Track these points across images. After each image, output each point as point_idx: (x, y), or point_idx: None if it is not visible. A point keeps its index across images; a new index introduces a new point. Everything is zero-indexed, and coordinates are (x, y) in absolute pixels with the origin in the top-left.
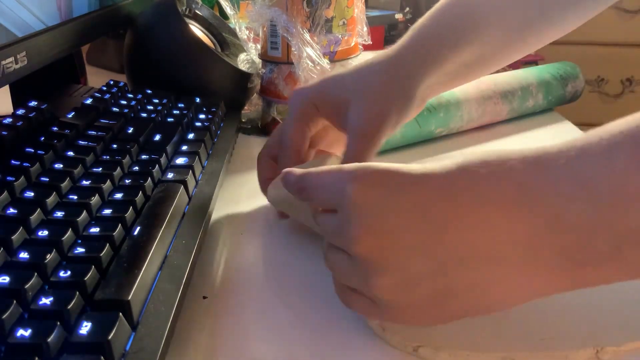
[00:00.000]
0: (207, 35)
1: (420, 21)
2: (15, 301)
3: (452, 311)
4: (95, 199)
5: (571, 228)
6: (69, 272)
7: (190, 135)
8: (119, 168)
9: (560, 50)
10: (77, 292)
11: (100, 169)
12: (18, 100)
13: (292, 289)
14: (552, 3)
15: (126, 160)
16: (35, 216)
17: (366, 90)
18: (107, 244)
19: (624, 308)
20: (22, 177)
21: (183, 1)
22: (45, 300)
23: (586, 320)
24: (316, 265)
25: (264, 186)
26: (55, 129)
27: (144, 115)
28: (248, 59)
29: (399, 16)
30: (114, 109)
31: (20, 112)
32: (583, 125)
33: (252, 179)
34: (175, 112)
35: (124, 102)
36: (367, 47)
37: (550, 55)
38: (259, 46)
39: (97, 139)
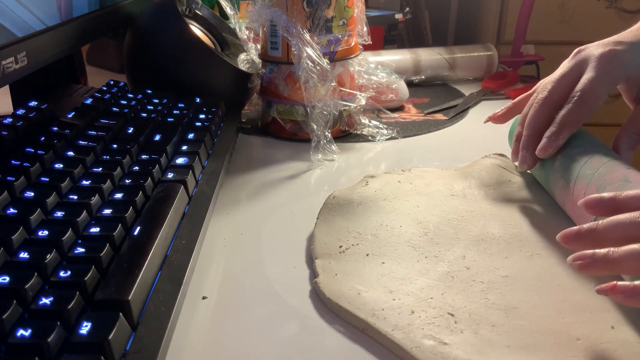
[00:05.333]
0: (207, 35)
1: None
2: (15, 301)
3: None
4: (95, 199)
5: None
6: (69, 272)
7: (190, 135)
8: (119, 168)
9: (560, 51)
10: (77, 292)
11: (100, 169)
12: (18, 100)
13: (292, 289)
14: None
15: (126, 160)
16: (35, 216)
17: None
18: (107, 244)
19: None
20: (22, 177)
21: (183, 1)
22: (45, 300)
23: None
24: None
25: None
26: (55, 129)
27: (144, 115)
28: (248, 59)
29: (399, 16)
30: (114, 109)
31: (20, 112)
32: (584, 125)
33: (252, 179)
34: (175, 112)
35: (124, 102)
36: (367, 47)
37: (551, 55)
38: (259, 46)
39: (97, 139)
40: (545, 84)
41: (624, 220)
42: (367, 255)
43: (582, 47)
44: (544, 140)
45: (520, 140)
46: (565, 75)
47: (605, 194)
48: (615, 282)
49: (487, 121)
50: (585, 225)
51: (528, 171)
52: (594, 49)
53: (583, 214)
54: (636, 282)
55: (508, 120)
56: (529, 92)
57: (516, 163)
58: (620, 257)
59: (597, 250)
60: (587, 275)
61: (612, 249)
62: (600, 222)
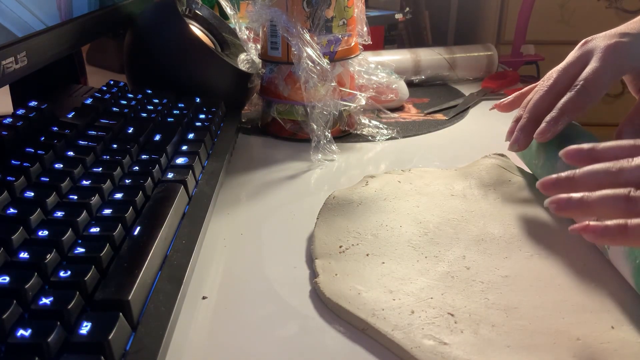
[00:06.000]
0: (207, 35)
1: None
2: (15, 301)
3: None
4: (95, 199)
5: None
6: (69, 272)
7: (190, 135)
8: (119, 168)
9: (560, 51)
10: (77, 292)
11: (100, 169)
12: (18, 100)
13: (292, 289)
14: None
15: (126, 160)
16: (35, 216)
17: None
18: (107, 244)
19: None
20: (22, 177)
21: (183, 1)
22: (45, 300)
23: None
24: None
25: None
26: (55, 129)
27: (144, 115)
28: (248, 59)
29: (399, 16)
30: (114, 109)
31: (20, 112)
32: (584, 124)
33: (252, 179)
34: (175, 112)
35: (124, 102)
36: (367, 47)
37: (551, 55)
38: (259, 46)
39: (97, 139)
40: (551, 73)
41: (599, 169)
42: (367, 255)
43: (589, 38)
44: (542, 125)
45: (518, 121)
46: (571, 64)
47: (585, 145)
48: (587, 222)
49: (492, 109)
50: (564, 173)
51: (529, 171)
52: (600, 40)
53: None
54: (607, 222)
55: (513, 110)
56: (536, 84)
57: (509, 142)
58: (594, 201)
59: (573, 195)
60: (587, 276)
61: (586, 193)
62: (577, 170)
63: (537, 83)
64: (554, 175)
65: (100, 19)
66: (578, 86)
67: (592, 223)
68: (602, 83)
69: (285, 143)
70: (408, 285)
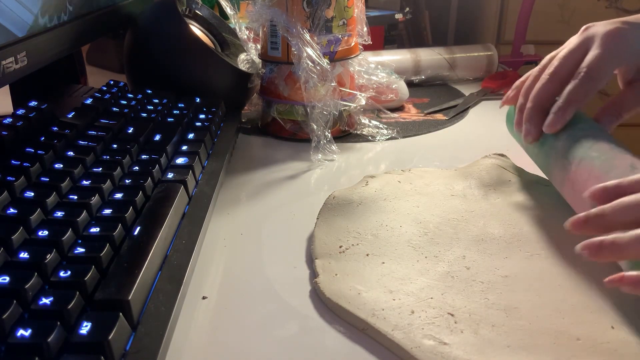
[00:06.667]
0: (207, 35)
1: None
2: (15, 301)
3: None
4: (95, 199)
5: None
6: (69, 272)
7: (190, 135)
8: (119, 168)
9: None
10: (77, 292)
11: (100, 169)
12: (18, 100)
13: (292, 289)
14: None
15: (126, 160)
16: (35, 216)
17: None
18: (107, 244)
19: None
20: (22, 177)
21: (183, 1)
22: (45, 300)
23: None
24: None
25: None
26: (55, 129)
27: (144, 115)
28: (248, 59)
29: (399, 16)
30: (114, 109)
31: (20, 112)
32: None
33: (252, 179)
34: (175, 112)
35: (124, 102)
36: (367, 47)
37: None
38: (259, 46)
39: (97, 139)
40: (552, 61)
41: (631, 203)
42: (367, 255)
43: (590, 24)
44: (551, 116)
45: (522, 111)
46: (572, 51)
47: (609, 183)
48: (622, 273)
49: (502, 106)
50: (593, 210)
51: (529, 172)
52: (601, 26)
53: (582, 192)
54: None
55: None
56: (530, 72)
57: (517, 131)
58: (628, 243)
59: (604, 238)
60: (586, 276)
61: (618, 235)
62: (607, 205)
63: (533, 70)
64: (583, 214)
65: (100, 19)
66: (582, 74)
67: (627, 274)
68: (605, 69)
69: (285, 143)
70: (408, 285)
